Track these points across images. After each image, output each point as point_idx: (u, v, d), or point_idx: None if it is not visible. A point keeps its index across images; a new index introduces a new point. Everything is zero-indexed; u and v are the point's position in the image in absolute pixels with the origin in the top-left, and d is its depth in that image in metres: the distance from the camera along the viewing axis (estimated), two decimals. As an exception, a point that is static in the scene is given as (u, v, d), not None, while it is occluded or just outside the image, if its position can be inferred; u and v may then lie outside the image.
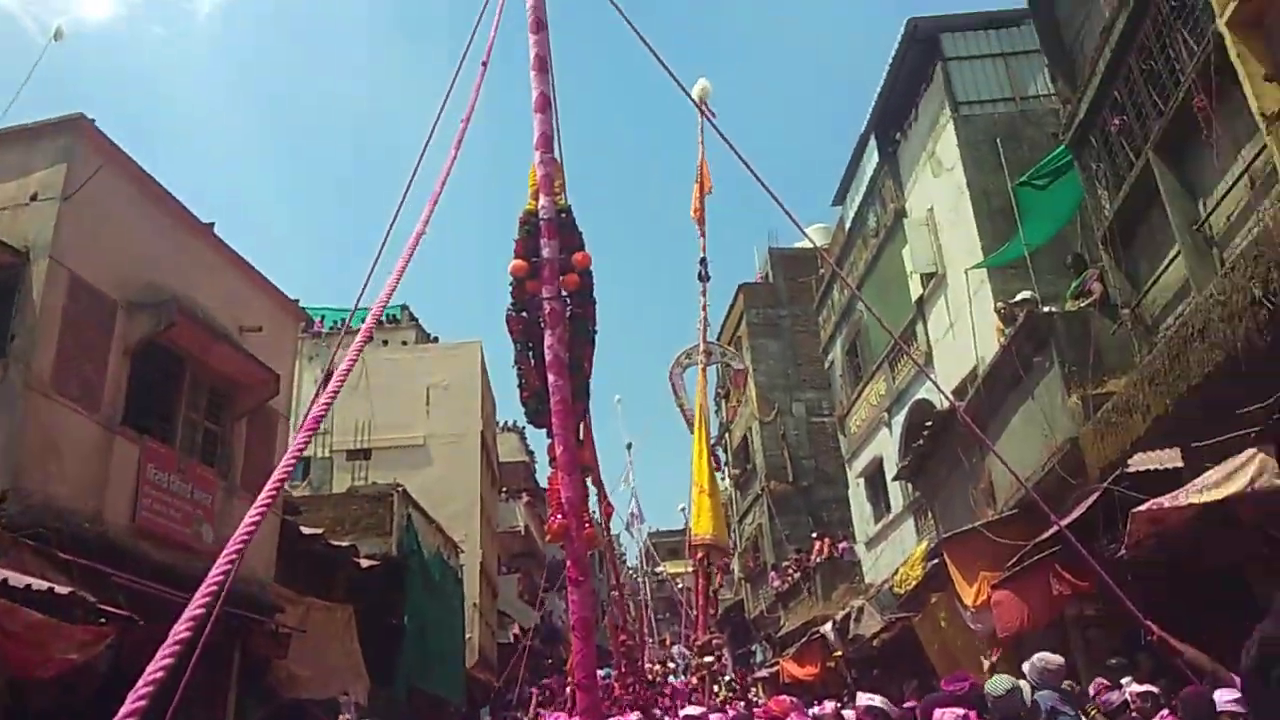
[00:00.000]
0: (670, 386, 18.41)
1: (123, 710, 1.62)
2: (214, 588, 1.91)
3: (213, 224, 12.70)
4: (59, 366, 9.27)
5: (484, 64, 6.45)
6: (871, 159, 17.91)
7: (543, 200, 6.89)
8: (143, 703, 1.65)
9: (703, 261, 14.75)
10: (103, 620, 7.38)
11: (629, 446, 37.61)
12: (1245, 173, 6.66)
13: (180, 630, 1.78)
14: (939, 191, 14.99)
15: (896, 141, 16.86)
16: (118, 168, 10.57)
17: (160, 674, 1.70)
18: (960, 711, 5.09)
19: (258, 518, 2.16)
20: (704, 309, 15.64)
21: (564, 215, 6.94)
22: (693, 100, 7.89)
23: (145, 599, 8.67)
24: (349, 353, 2.83)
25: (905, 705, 6.39)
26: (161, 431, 10.95)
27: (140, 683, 1.67)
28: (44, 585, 7.06)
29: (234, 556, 2.04)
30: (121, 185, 10.65)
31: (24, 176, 9.75)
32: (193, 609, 1.87)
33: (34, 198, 9.61)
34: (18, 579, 6.94)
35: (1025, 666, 6.26)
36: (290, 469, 2.37)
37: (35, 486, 8.75)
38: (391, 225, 5.14)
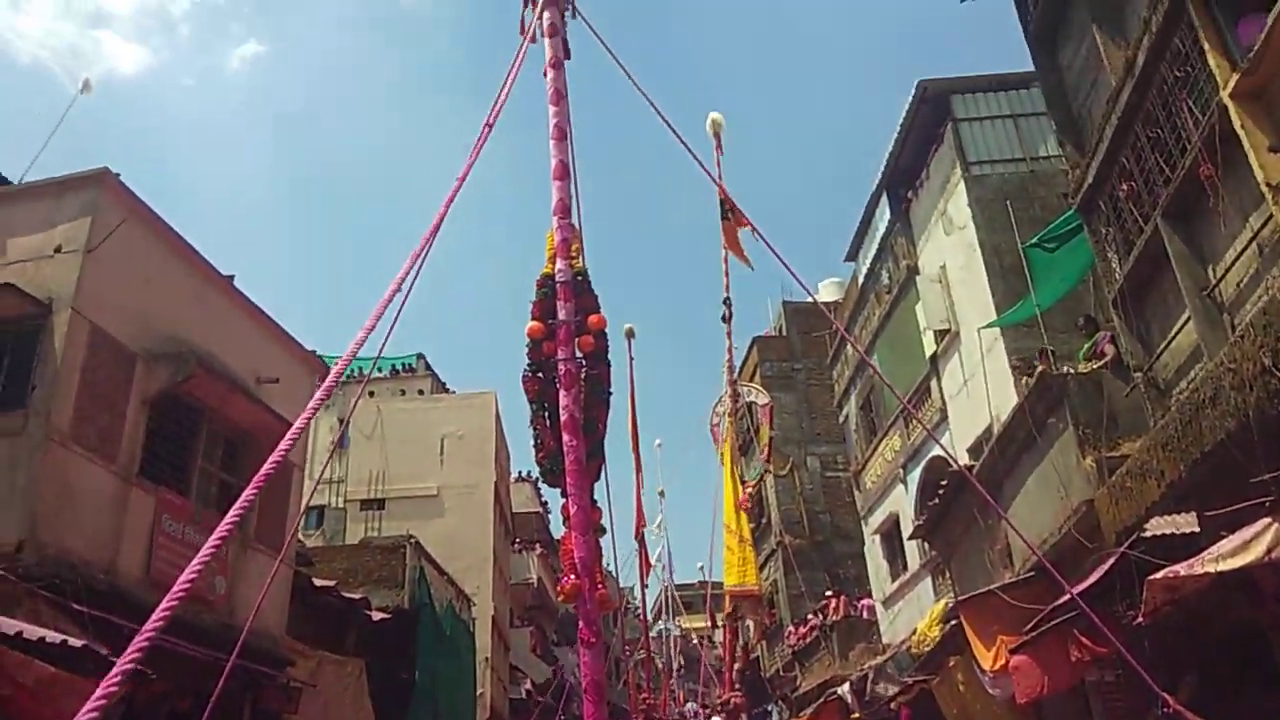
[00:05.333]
0: (711, 436, 18.42)
1: None
2: (164, 615, 1.88)
3: (232, 276, 12.93)
4: (78, 417, 9.38)
5: (488, 125, 6.67)
6: (884, 216, 18.05)
7: (559, 264, 7.04)
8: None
9: (726, 301, 14.76)
10: (113, 674, 7.38)
11: (662, 494, 38.26)
12: (1254, 240, 6.69)
13: (125, 662, 1.76)
14: (951, 249, 15.08)
15: (909, 199, 17.00)
16: (141, 221, 10.80)
17: (104, 701, 1.67)
18: None
19: (224, 533, 2.17)
20: (729, 350, 15.65)
21: (580, 278, 7.07)
22: (706, 171, 8.03)
23: (157, 651, 8.64)
24: (319, 392, 2.91)
25: None
26: (177, 483, 11.02)
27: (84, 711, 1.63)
28: (58, 638, 7.08)
29: (187, 586, 2.04)
30: (144, 238, 10.87)
31: (49, 229, 9.96)
32: (140, 639, 1.84)
33: (58, 250, 9.81)
34: (33, 631, 6.97)
35: None
36: (259, 488, 2.40)
37: (52, 537, 8.80)
38: (412, 283, 5.26)
